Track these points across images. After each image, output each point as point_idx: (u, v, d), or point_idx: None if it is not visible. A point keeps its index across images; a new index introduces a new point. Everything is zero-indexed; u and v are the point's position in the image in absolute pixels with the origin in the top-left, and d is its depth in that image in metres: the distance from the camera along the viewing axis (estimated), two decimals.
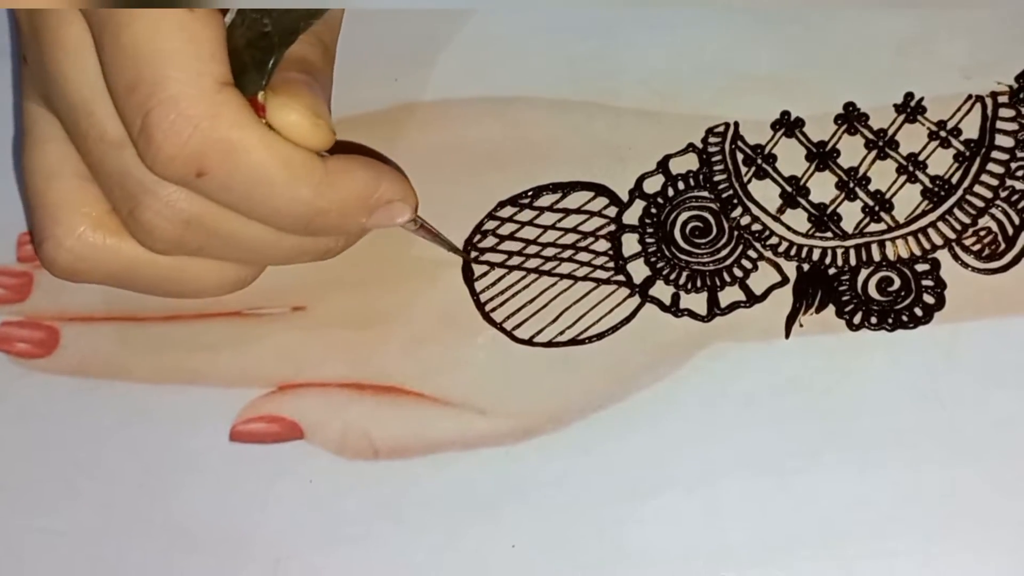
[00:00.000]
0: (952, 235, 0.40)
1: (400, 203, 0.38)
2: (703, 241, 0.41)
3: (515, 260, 0.42)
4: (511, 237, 0.42)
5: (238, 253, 0.37)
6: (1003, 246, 0.40)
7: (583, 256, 0.41)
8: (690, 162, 0.42)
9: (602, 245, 0.42)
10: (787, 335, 0.40)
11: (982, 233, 0.40)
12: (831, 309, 0.40)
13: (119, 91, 0.34)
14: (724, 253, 0.41)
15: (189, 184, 0.34)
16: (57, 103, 0.36)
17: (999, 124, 0.41)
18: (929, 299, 0.40)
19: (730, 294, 0.40)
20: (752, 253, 0.41)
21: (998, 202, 0.40)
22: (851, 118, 0.42)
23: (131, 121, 0.34)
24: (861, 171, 0.41)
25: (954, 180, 0.41)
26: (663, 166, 0.42)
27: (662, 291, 0.41)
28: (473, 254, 0.42)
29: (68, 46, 0.35)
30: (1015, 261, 0.40)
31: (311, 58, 0.37)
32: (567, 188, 0.42)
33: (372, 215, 0.37)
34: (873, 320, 0.39)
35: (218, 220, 0.36)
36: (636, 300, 0.41)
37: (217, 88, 0.33)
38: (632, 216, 0.42)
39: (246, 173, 0.34)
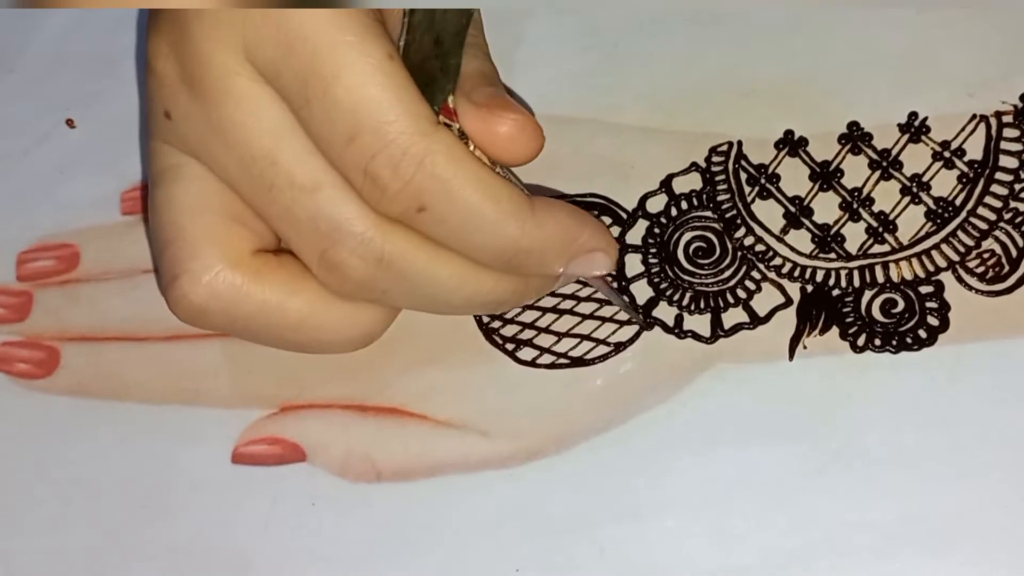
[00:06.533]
0: (956, 257, 0.40)
1: (602, 254, 0.38)
2: (707, 262, 0.41)
3: None
4: None
5: (420, 297, 0.37)
6: (1007, 268, 0.40)
7: None
8: (693, 181, 0.42)
9: None
10: (791, 357, 0.40)
11: (986, 255, 0.40)
12: (835, 331, 0.40)
13: (336, 142, 0.34)
14: (728, 274, 0.41)
15: (411, 219, 0.35)
16: (226, 155, 0.36)
17: (1003, 145, 0.41)
18: (933, 321, 0.39)
19: (734, 315, 0.40)
20: (756, 274, 0.41)
21: (1002, 224, 0.40)
22: (855, 137, 0.42)
23: (353, 167, 0.35)
24: (865, 192, 0.41)
25: (958, 202, 0.41)
26: (666, 185, 0.42)
27: (665, 312, 0.41)
28: None
29: (239, 97, 0.35)
30: (1019, 283, 0.39)
31: (487, 70, 0.38)
32: None
33: (572, 262, 0.37)
34: (877, 342, 0.39)
35: (408, 259, 0.36)
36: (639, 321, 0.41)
37: (433, 128, 0.34)
38: (635, 236, 0.42)
39: (461, 208, 0.35)
